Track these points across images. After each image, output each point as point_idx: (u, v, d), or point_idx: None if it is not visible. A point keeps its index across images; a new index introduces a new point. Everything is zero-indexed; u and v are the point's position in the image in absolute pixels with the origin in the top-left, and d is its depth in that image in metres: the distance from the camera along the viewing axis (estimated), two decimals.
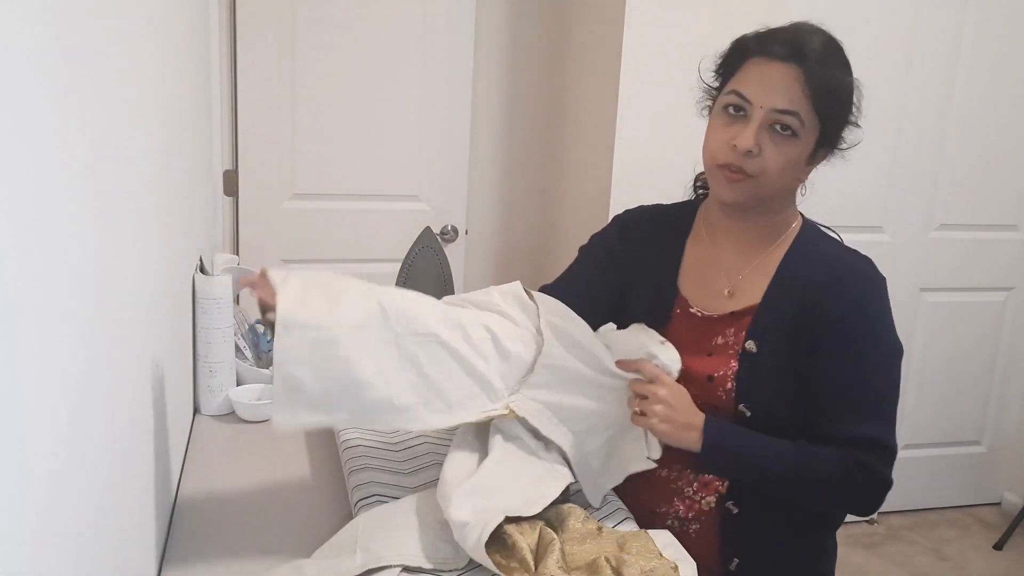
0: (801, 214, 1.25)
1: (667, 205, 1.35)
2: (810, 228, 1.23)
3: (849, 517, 3.12)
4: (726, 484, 1.19)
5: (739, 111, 1.13)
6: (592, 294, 1.29)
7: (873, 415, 1.13)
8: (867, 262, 1.19)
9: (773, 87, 1.10)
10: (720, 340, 1.19)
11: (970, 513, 3.13)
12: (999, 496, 3.18)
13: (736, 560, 1.19)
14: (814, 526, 1.24)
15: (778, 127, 1.10)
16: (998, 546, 2.89)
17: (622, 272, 1.31)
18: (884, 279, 1.18)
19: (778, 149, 1.11)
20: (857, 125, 1.17)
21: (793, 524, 1.20)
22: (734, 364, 1.17)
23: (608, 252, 1.33)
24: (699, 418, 1.13)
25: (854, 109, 1.16)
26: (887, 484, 1.14)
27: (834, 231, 1.27)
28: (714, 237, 1.26)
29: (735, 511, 1.18)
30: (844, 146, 1.18)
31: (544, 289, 1.30)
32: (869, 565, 2.76)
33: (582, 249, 1.38)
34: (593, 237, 1.38)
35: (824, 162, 1.20)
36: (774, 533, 1.19)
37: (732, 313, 1.19)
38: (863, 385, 1.13)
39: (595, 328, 1.19)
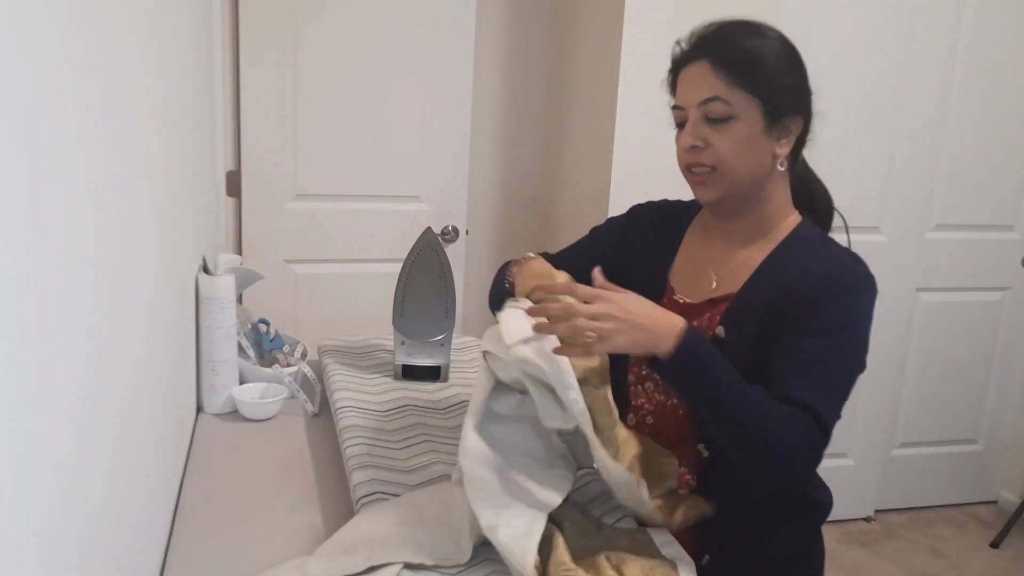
0: (803, 216, 1.25)
1: (679, 202, 1.39)
2: (807, 228, 1.24)
3: (846, 515, 3.12)
4: (695, 478, 1.21)
5: (683, 121, 1.19)
6: (592, 264, 1.30)
7: (817, 389, 1.09)
8: (857, 262, 1.17)
9: (693, 85, 1.17)
10: (696, 323, 1.20)
11: (967, 511, 3.14)
12: (995, 494, 3.19)
13: (707, 556, 1.20)
14: (791, 526, 1.24)
15: (711, 116, 1.15)
16: (995, 544, 2.90)
17: (621, 256, 1.35)
18: (872, 283, 1.15)
19: (722, 135, 1.15)
20: (804, 88, 1.18)
21: (768, 523, 1.21)
22: None
23: (613, 233, 1.40)
24: (672, 319, 1.06)
25: (784, 67, 1.15)
26: (817, 453, 1.08)
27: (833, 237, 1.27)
28: (707, 236, 1.29)
29: None
30: (812, 108, 1.18)
31: (548, 257, 1.39)
32: (865, 563, 2.78)
33: (594, 228, 1.45)
34: (607, 221, 1.45)
35: (805, 134, 1.20)
36: (746, 529, 1.20)
37: (711, 300, 1.21)
38: (816, 362, 1.10)
39: None
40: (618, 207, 1.45)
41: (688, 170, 1.20)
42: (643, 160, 2.41)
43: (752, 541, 1.21)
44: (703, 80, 1.15)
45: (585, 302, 1.05)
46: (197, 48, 1.69)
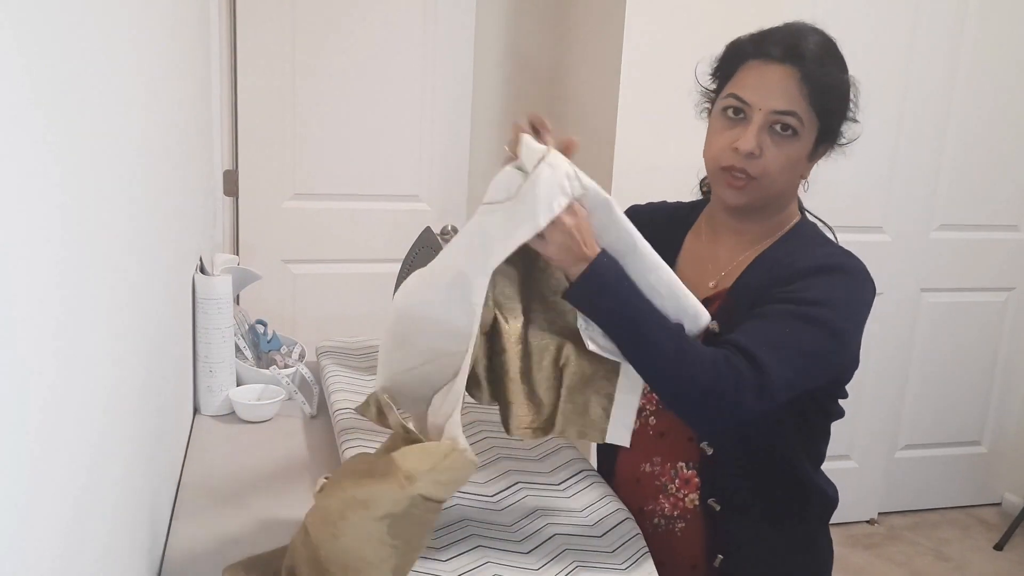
0: (804, 213, 1.26)
1: (677, 203, 1.37)
2: (805, 225, 1.24)
3: (849, 517, 3.11)
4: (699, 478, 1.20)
5: (739, 114, 1.14)
6: None
7: (759, 335, 1.05)
8: (850, 258, 1.16)
9: (771, 88, 1.12)
10: None
11: (970, 513, 3.13)
12: (999, 496, 3.18)
13: (720, 556, 1.20)
14: (798, 521, 1.23)
15: (778, 127, 1.12)
16: (999, 546, 2.89)
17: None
18: (867, 277, 1.14)
19: (779, 149, 1.12)
20: (855, 120, 1.19)
21: (775, 520, 1.21)
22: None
23: None
24: (593, 249, 1.03)
25: (851, 105, 1.18)
26: (745, 394, 1.01)
27: (823, 220, 1.28)
28: (714, 234, 1.27)
29: (717, 508, 1.19)
30: (843, 141, 1.20)
31: None
32: (869, 565, 2.76)
33: None
34: None
35: (824, 157, 1.21)
36: (758, 530, 1.20)
37: (707, 298, 1.20)
38: (771, 318, 1.07)
39: None
40: (619, 206, 1.42)
41: (726, 170, 1.15)
42: (644, 160, 2.40)
43: (761, 538, 1.20)
44: (786, 89, 1.11)
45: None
46: (194, 46, 1.68)
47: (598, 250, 1.02)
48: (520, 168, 1.03)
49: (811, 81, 1.10)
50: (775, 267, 1.16)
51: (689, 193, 1.37)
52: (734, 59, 1.17)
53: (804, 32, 1.15)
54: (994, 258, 2.96)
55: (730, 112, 1.15)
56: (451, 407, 0.97)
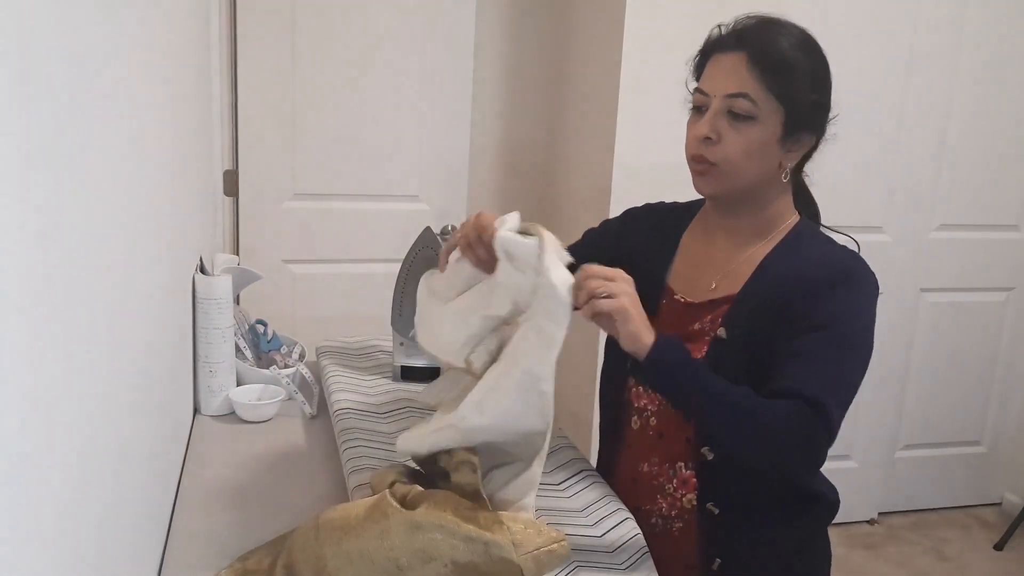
0: (800, 214, 1.25)
1: (676, 203, 1.37)
2: (805, 226, 1.23)
3: (849, 517, 3.11)
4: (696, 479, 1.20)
5: (703, 107, 1.17)
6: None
7: (815, 377, 1.07)
8: (855, 259, 1.17)
9: (723, 74, 1.14)
10: (697, 326, 1.20)
11: (970, 513, 3.13)
12: (999, 496, 3.17)
13: (718, 560, 1.19)
14: (798, 525, 1.23)
15: (734, 112, 1.13)
16: (998, 546, 2.89)
17: (617, 261, 1.30)
18: (871, 279, 1.15)
19: (737, 133, 1.13)
20: (827, 107, 1.17)
21: (776, 524, 1.20)
22: (705, 349, 1.18)
23: (608, 234, 1.40)
24: (649, 328, 1.07)
25: (813, 85, 1.14)
26: (816, 442, 1.05)
27: (846, 234, 1.25)
28: (709, 234, 1.27)
29: (716, 512, 1.18)
30: (829, 133, 1.18)
31: None
32: (869, 565, 2.76)
33: (587, 232, 1.44)
34: (603, 223, 1.44)
35: (813, 150, 1.20)
36: (756, 533, 1.19)
37: (712, 301, 1.20)
38: (814, 353, 1.08)
39: None
40: (619, 206, 1.44)
41: (690, 160, 1.18)
42: (645, 159, 2.40)
43: (760, 542, 1.20)
44: (736, 73, 1.13)
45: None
46: (195, 46, 1.68)
47: (653, 334, 1.06)
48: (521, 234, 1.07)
49: (760, 61, 1.11)
50: (783, 274, 1.16)
51: (688, 191, 1.37)
52: (703, 56, 1.20)
53: (759, 19, 1.16)
54: (994, 258, 2.96)
55: (695, 104, 1.18)
56: (521, 493, 1.03)
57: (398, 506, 0.96)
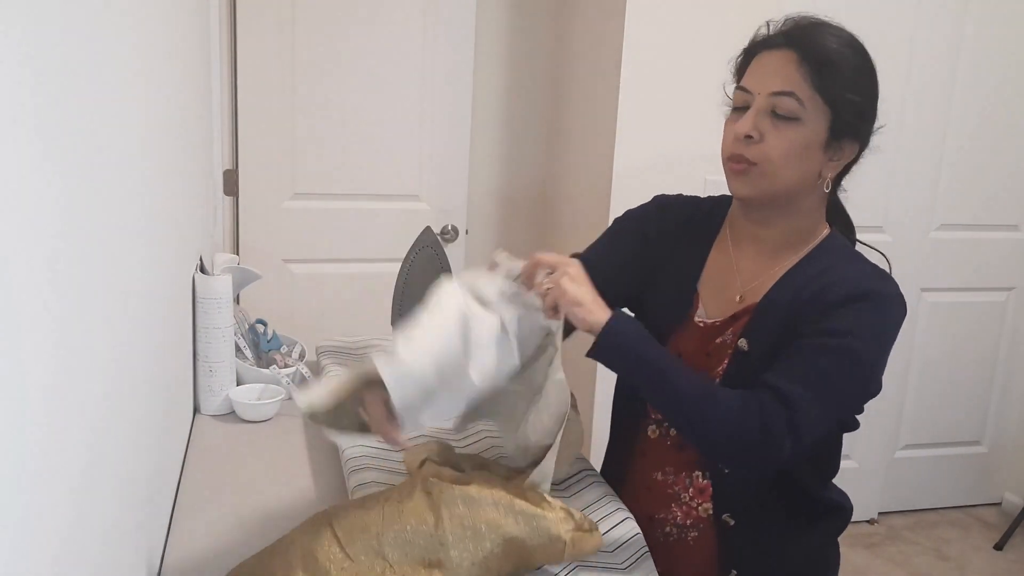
0: (832, 228, 1.21)
1: (704, 198, 1.31)
2: (836, 240, 1.19)
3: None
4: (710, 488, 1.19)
5: (745, 106, 1.12)
6: (619, 278, 1.26)
7: (791, 372, 1.05)
8: (884, 280, 1.12)
9: (769, 72, 1.10)
10: (720, 340, 1.18)
11: (970, 513, 3.13)
12: (1000, 496, 3.18)
13: (734, 572, 1.18)
14: (814, 535, 1.23)
15: (778, 111, 1.09)
16: (999, 546, 2.89)
17: (648, 267, 1.28)
18: (900, 304, 1.10)
19: (780, 134, 1.08)
20: (874, 115, 1.13)
21: (792, 534, 1.19)
22: (727, 363, 1.16)
23: (643, 239, 1.29)
24: (601, 313, 1.08)
25: (861, 90, 1.10)
26: (776, 439, 1.02)
27: (879, 250, 1.23)
28: (737, 243, 1.23)
29: (732, 523, 1.17)
30: (872, 143, 1.15)
31: (575, 257, 1.26)
32: (869, 565, 2.76)
33: (618, 225, 1.34)
34: (630, 214, 1.33)
35: (854, 162, 1.16)
36: (772, 544, 1.19)
37: (733, 316, 1.18)
38: (804, 353, 1.06)
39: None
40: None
41: (728, 159, 1.14)
42: (645, 159, 2.39)
43: (775, 552, 1.19)
44: (783, 71, 1.08)
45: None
46: (194, 46, 1.68)
47: (608, 312, 1.07)
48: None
49: (810, 60, 1.07)
50: (804, 285, 1.12)
51: (689, 191, 1.35)
52: (746, 56, 1.16)
53: (810, 19, 1.12)
54: (994, 258, 2.96)
55: (736, 104, 1.14)
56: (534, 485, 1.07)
57: (448, 483, 0.98)
